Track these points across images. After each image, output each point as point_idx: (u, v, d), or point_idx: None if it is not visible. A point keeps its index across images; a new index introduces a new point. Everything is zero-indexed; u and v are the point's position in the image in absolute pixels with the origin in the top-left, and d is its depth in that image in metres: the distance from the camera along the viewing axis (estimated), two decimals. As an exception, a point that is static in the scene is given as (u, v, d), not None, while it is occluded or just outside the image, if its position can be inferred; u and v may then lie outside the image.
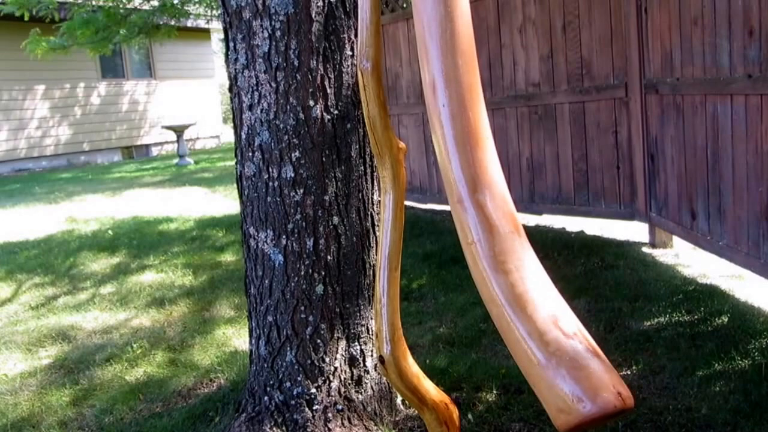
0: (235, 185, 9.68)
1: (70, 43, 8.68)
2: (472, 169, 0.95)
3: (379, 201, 2.33)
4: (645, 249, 4.94)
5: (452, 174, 0.96)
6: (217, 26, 19.12)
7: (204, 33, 19.96)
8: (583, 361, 0.77)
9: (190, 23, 18.16)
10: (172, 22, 10.72)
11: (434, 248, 5.31)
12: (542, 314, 0.82)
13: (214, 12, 16.38)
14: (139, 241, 6.57)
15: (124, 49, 16.62)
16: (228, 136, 21.62)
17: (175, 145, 15.87)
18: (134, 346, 3.90)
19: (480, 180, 0.94)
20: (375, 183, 2.69)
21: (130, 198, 9.83)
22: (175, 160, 14.99)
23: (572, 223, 5.81)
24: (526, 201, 5.89)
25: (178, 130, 14.68)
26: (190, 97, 19.44)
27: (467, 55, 1.01)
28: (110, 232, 7.13)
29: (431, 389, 1.99)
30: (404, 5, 6.94)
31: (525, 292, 0.85)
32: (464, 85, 0.99)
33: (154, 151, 18.50)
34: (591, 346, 0.80)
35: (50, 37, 8.79)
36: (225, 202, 8.85)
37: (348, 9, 2.59)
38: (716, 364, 3.04)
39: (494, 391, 2.96)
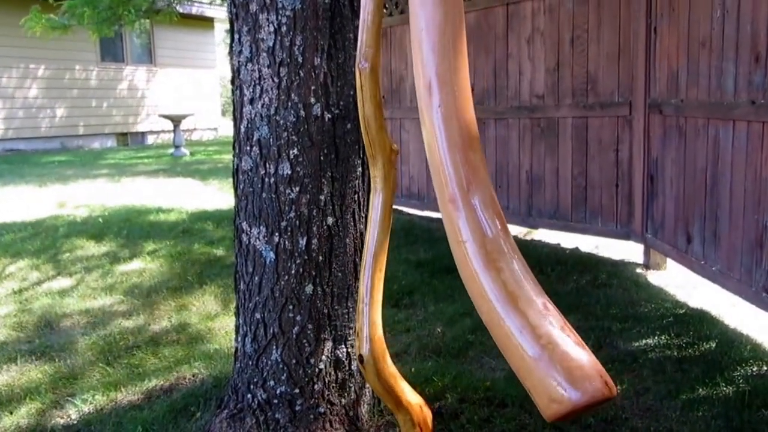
0: (229, 180, 9.68)
1: (71, 22, 8.60)
2: (464, 170, 0.98)
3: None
4: (639, 270, 4.93)
5: (444, 174, 0.99)
6: (220, 15, 19.08)
7: (207, 22, 19.89)
8: (574, 353, 0.81)
9: (194, 10, 18.11)
10: (178, 8, 10.66)
11: (428, 256, 5.28)
12: (533, 309, 0.86)
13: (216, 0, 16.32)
14: (129, 230, 6.52)
15: (124, 32, 16.56)
16: (225, 129, 21.58)
17: (172, 134, 15.79)
18: (117, 336, 3.86)
19: (471, 181, 0.97)
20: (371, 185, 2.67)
21: (123, 186, 9.78)
22: (171, 150, 14.92)
23: (567, 239, 5.78)
24: (523, 214, 5.86)
25: (176, 120, 14.60)
26: (190, 87, 19.37)
27: (462, 58, 1.05)
28: (100, 219, 7.08)
29: (407, 390, 2.02)
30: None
31: (516, 289, 0.88)
32: (459, 88, 1.02)
33: (150, 139, 18.43)
34: (577, 339, 0.84)
35: (50, 15, 8.71)
36: (218, 196, 8.81)
37: (355, 8, 2.56)
38: (701, 389, 3.02)
39: (478, 403, 2.93)
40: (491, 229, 0.94)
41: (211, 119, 20.44)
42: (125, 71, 17.67)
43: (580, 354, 0.82)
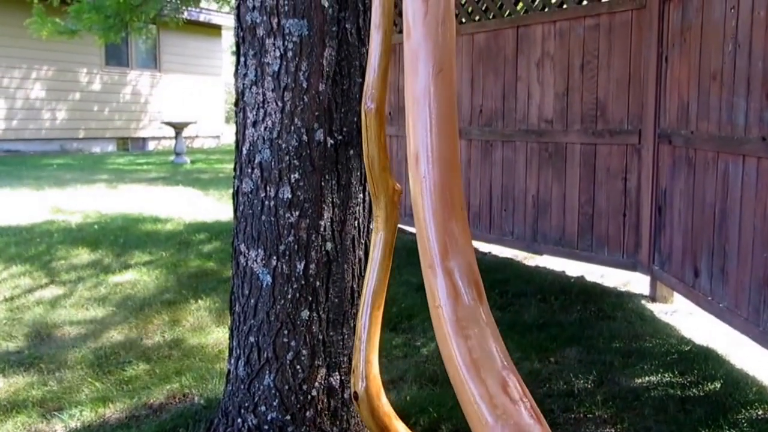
0: (228, 191, 9.61)
1: (78, 27, 8.57)
2: (444, 238, 1.04)
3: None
4: (644, 302, 4.83)
5: (426, 240, 1.06)
6: (228, 23, 19.08)
7: (215, 29, 19.89)
8: (525, 427, 0.88)
9: (202, 17, 18.12)
10: (185, 14, 10.67)
11: (428, 278, 5.18)
12: (493, 380, 0.93)
13: (224, 7, 16.35)
14: (125, 239, 6.45)
15: (130, 37, 16.55)
16: (228, 137, 21.55)
17: (173, 141, 15.74)
18: (108, 350, 3.79)
19: (450, 249, 1.04)
20: (372, 212, 2.64)
21: (121, 192, 9.72)
22: (171, 158, 14.88)
23: (573, 267, 5.68)
24: (528, 239, 5.79)
25: (178, 127, 14.55)
26: (194, 94, 19.32)
27: (449, 133, 1.12)
28: (96, 226, 7.01)
29: (401, 430, 1.99)
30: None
31: (480, 358, 0.94)
32: (444, 161, 1.09)
33: (151, 145, 18.38)
34: (534, 413, 0.91)
35: (56, 18, 8.68)
36: (216, 207, 8.74)
37: (362, 36, 2.58)
38: (704, 432, 2.93)
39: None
40: (466, 296, 1.01)
41: (214, 127, 20.39)
42: (129, 76, 17.64)
43: (532, 429, 0.88)
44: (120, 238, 6.48)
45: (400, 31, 6.93)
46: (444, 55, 1.13)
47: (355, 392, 1.90)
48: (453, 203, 1.07)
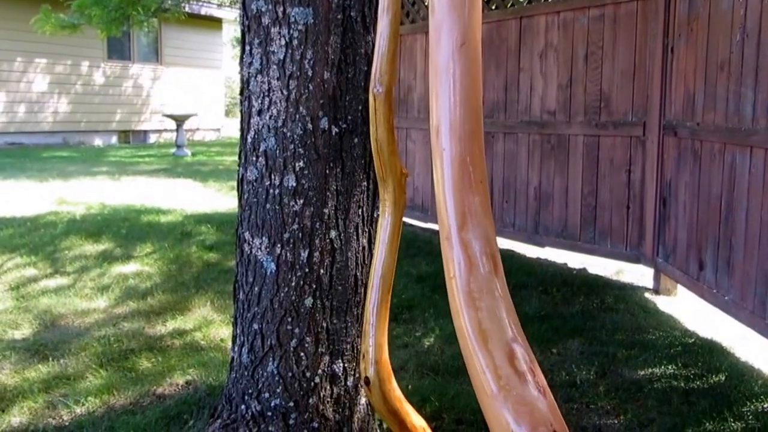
0: (229, 183, 9.63)
1: (81, 21, 8.57)
2: (462, 210, 1.03)
3: (378, 219, 2.31)
4: (648, 295, 4.81)
5: (445, 212, 1.04)
6: (228, 16, 19.08)
7: (215, 22, 19.89)
8: (528, 398, 0.87)
9: (203, 11, 18.11)
10: (186, 8, 10.65)
11: (429, 270, 5.19)
12: (500, 351, 0.92)
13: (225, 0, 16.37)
14: (128, 230, 6.46)
15: (132, 31, 16.54)
16: (229, 129, 21.56)
17: (174, 133, 15.73)
18: (112, 338, 3.80)
19: (468, 221, 1.02)
20: (376, 200, 2.64)
21: (123, 184, 9.74)
22: (173, 150, 14.89)
23: (575, 259, 5.66)
24: (529, 231, 5.77)
25: (179, 120, 14.55)
26: (195, 87, 19.32)
27: (473, 105, 1.09)
28: (99, 217, 7.02)
29: (412, 414, 1.99)
30: (424, 17, 6.85)
31: (489, 329, 0.93)
32: (466, 133, 1.07)
33: (152, 137, 18.38)
34: (540, 384, 0.90)
35: (60, 14, 8.68)
36: (217, 198, 8.76)
37: (367, 24, 2.57)
38: (707, 424, 2.92)
39: (476, 425, 2.85)
40: (482, 267, 0.99)
41: (214, 119, 20.40)
42: (131, 69, 17.63)
43: (536, 400, 0.87)
44: (123, 229, 6.49)
45: (401, 23, 6.92)
46: (469, 28, 1.11)
47: (366, 377, 1.88)
48: (473, 175, 1.05)
